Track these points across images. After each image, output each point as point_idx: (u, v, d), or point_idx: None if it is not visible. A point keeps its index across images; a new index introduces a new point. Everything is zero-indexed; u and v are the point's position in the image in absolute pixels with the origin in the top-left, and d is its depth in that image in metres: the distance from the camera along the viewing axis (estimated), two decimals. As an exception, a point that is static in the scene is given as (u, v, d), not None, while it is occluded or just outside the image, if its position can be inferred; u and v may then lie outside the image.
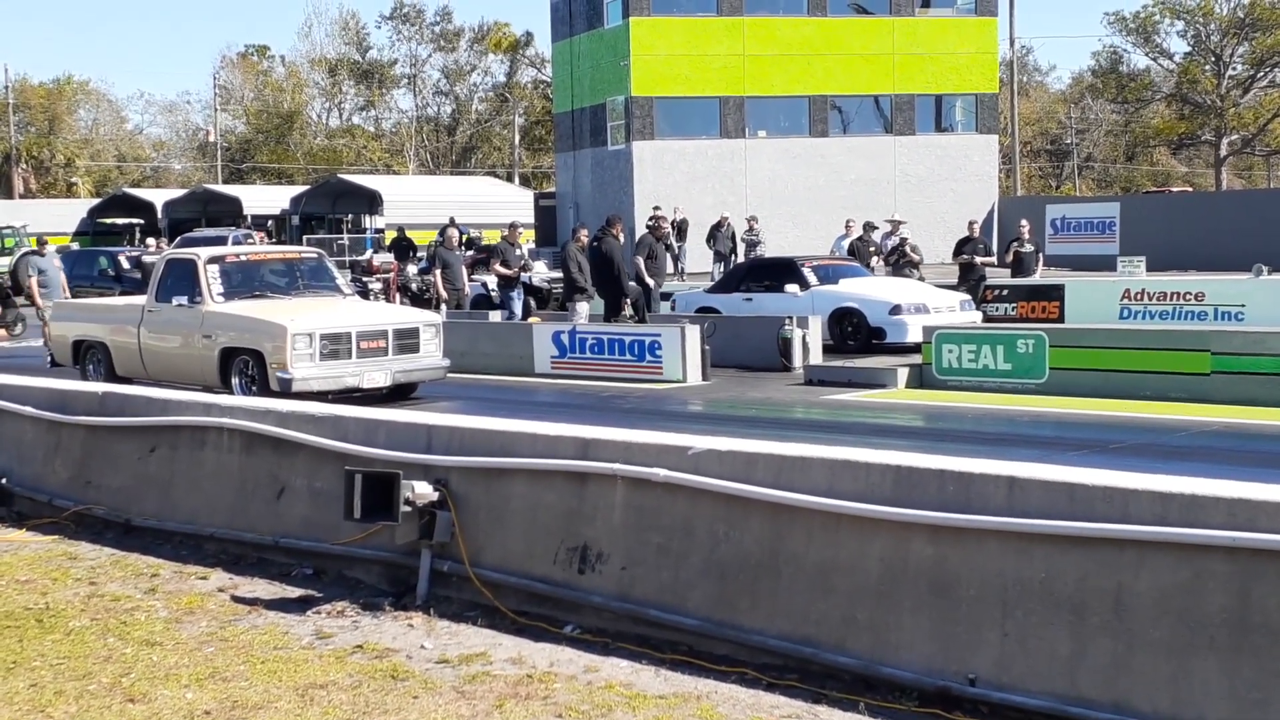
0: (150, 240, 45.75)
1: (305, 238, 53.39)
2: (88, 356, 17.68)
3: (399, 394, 16.35)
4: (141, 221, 61.50)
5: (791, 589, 6.75)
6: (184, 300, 16.15)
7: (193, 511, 9.87)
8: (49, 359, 18.59)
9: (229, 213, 59.48)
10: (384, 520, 8.01)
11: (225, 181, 77.85)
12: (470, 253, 30.62)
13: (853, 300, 21.12)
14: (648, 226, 24.13)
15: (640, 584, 7.32)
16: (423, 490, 8.03)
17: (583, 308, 20.66)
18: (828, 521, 6.67)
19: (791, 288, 21.45)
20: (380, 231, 53.61)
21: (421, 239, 41.54)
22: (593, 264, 20.79)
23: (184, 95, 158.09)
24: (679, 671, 6.78)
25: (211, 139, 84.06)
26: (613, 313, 20.84)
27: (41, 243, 25.18)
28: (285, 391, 14.49)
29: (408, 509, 7.96)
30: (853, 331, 20.85)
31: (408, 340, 16.21)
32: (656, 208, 38.29)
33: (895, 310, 20.58)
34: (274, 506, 9.32)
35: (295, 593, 8.52)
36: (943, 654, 6.22)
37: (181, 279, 16.43)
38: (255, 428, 9.54)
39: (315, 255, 18.14)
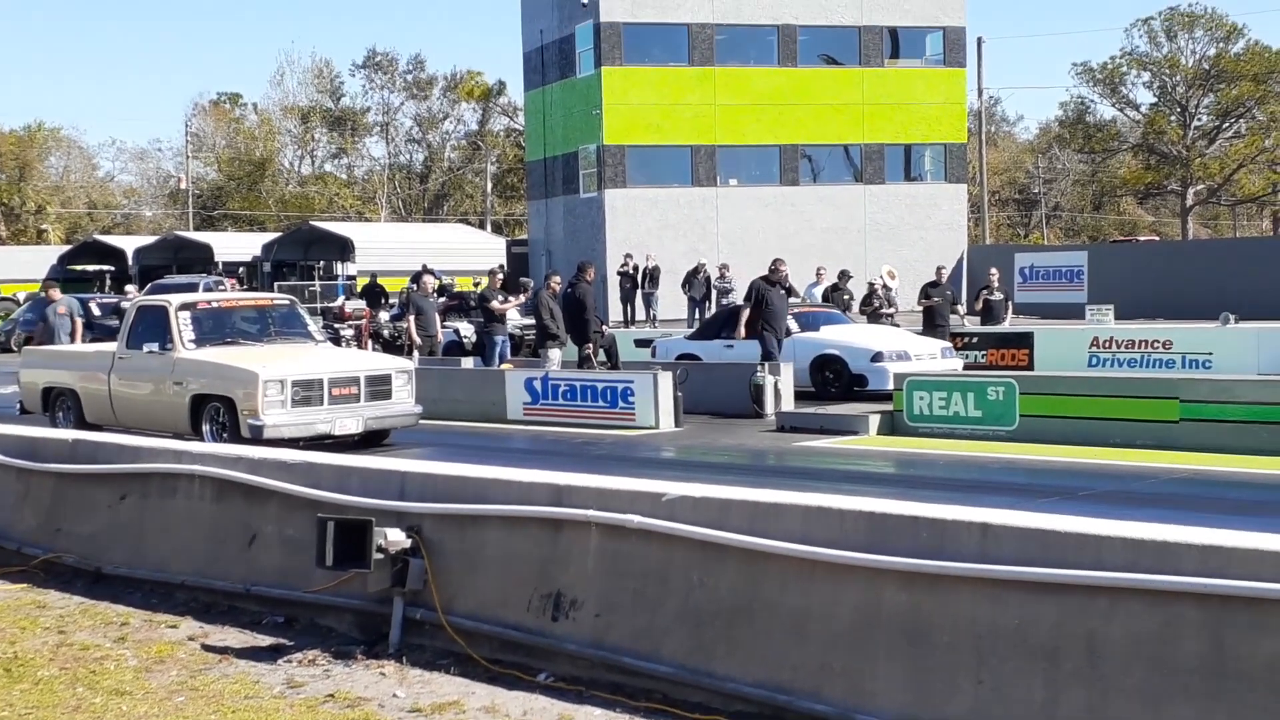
0: (130, 288, 45.58)
1: (277, 284, 53.30)
2: (57, 404, 17.57)
3: (371, 440, 16.30)
4: (112, 268, 61.29)
5: (766, 636, 6.74)
6: (155, 347, 16.07)
7: (163, 559, 9.80)
8: (19, 406, 18.47)
9: (200, 259, 59.35)
10: (356, 568, 7.97)
11: (197, 228, 77.73)
12: (443, 299, 30.62)
13: (834, 347, 20.93)
14: (765, 278, 20.89)
15: (615, 631, 7.30)
16: (395, 537, 7.99)
17: (555, 354, 20.67)
18: (802, 568, 6.67)
19: None
20: (352, 278, 53.57)
21: (393, 285, 41.52)
22: (565, 309, 20.82)
23: (155, 142, 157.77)
24: (653, 719, 6.75)
25: (183, 186, 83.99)
26: (583, 359, 20.83)
27: (44, 287, 24.33)
28: (256, 439, 14.43)
29: (380, 556, 7.92)
30: (834, 379, 20.67)
31: (380, 387, 16.17)
32: (628, 255, 38.62)
33: (877, 358, 20.38)
34: (245, 554, 9.26)
35: (266, 641, 8.46)
36: (918, 701, 6.21)
37: (152, 326, 16.38)
38: (227, 475, 9.49)
39: (287, 302, 18.10)
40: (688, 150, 44.68)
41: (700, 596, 7.02)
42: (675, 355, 22.39)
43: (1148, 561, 5.70)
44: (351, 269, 55.53)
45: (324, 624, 8.64)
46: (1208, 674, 5.51)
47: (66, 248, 69.29)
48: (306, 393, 15.45)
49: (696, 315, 35.53)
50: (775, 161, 45.68)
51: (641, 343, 24.59)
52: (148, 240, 67.73)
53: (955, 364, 21.44)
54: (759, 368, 19.29)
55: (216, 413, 15.47)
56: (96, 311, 35.06)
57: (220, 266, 56.62)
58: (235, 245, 63.63)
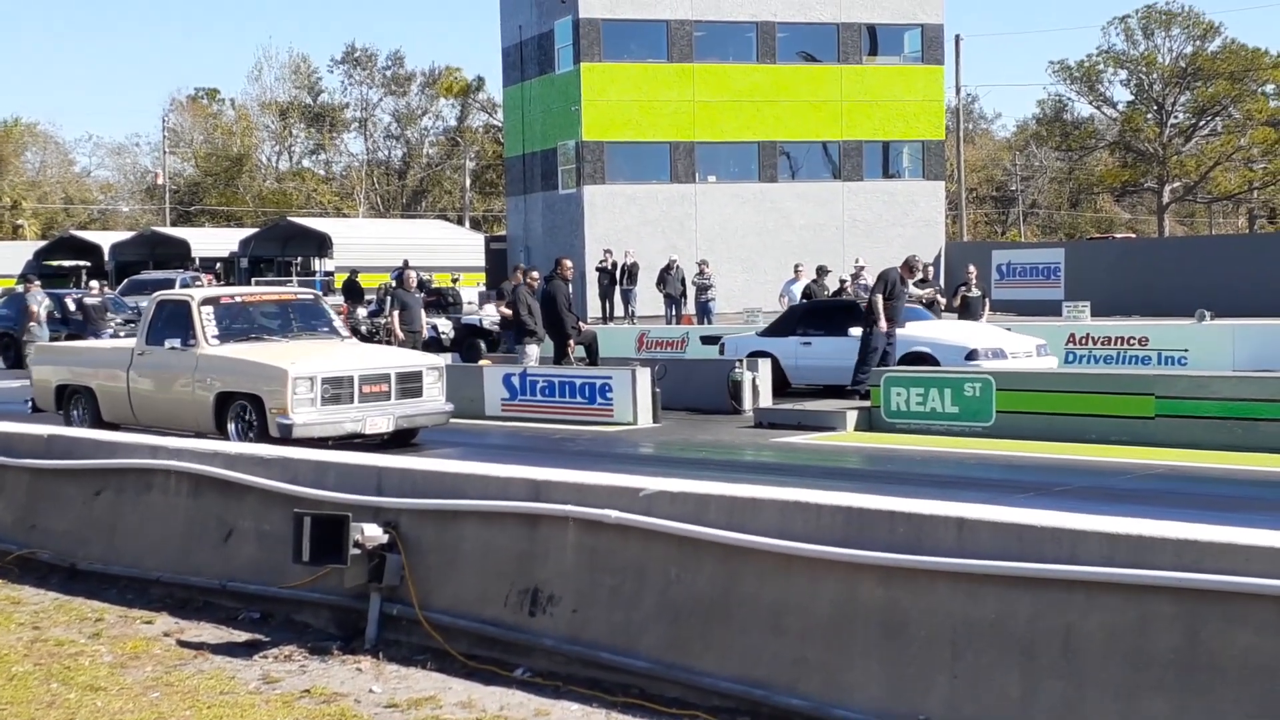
0: (93, 283, 45.43)
1: (254, 280, 53.14)
2: (72, 401, 16.94)
3: (400, 439, 15.89)
4: (88, 264, 61.03)
5: (743, 630, 6.74)
6: (177, 343, 15.51)
7: (139, 555, 9.75)
8: (30, 404, 17.93)
9: (177, 255, 59.17)
10: (333, 563, 7.95)
11: (173, 224, 77.44)
12: (421, 295, 30.57)
13: (925, 345, 19.47)
14: (902, 273, 19.52)
15: (592, 626, 7.29)
16: (372, 533, 7.97)
17: (533, 350, 20.64)
18: (779, 563, 6.67)
19: (855, 331, 19.52)
20: (330, 274, 53.47)
21: (371, 281, 41.43)
22: (541, 306, 20.78)
23: (133, 138, 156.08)
24: (630, 714, 6.74)
25: (160, 181, 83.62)
26: (560, 355, 20.80)
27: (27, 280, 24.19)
28: (285, 438, 13.92)
29: (357, 552, 7.89)
30: None
31: (411, 384, 15.67)
32: (607, 251, 38.60)
33: (971, 355, 19.01)
34: (221, 550, 9.23)
35: (242, 637, 8.43)
36: (894, 695, 6.22)
37: (174, 321, 15.83)
38: (203, 470, 9.45)
39: (311, 297, 17.64)
40: (667, 146, 44.65)
41: (678, 591, 7.02)
42: (747, 353, 20.89)
43: (1124, 556, 5.72)
44: (329, 265, 55.45)
45: (300, 620, 8.61)
46: (1182, 667, 5.53)
47: (42, 243, 68.97)
48: (336, 390, 14.93)
49: (674, 312, 35.53)
50: (754, 158, 45.69)
51: (709, 339, 23.96)
52: (124, 236, 67.53)
53: (1050, 362, 20.22)
54: (737, 363, 19.27)
55: (243, 411, 14.91)
56: (72, 307, 34.90)
57: (197, 262, 56.44)
58: (212, 241, 63.47)
